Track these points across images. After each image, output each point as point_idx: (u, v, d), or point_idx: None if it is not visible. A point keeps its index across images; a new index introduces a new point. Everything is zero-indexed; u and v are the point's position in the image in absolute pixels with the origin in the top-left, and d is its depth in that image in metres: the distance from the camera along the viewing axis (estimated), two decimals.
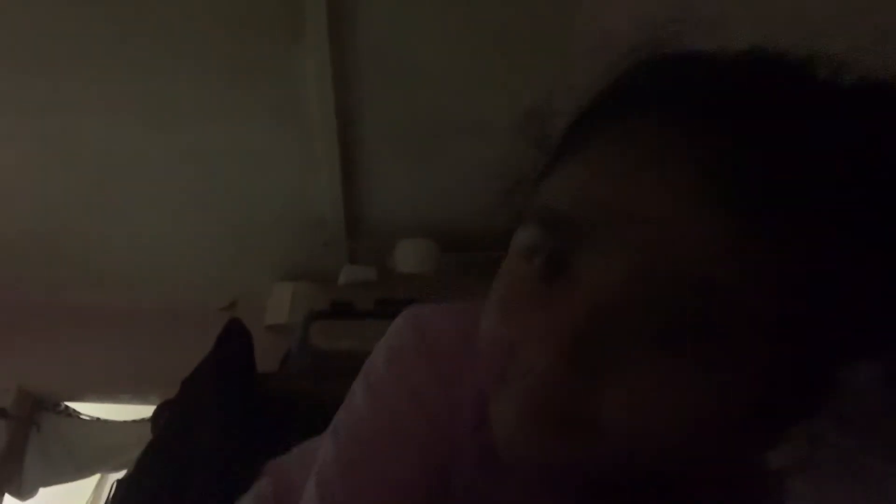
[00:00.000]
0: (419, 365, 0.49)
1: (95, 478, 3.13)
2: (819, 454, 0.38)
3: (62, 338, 2.74)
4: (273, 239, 2.29)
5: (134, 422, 2.71)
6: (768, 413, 0.35)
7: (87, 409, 2.81)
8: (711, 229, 0.32)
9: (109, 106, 1.66)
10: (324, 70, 1.45)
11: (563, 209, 0.36)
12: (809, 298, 0.33)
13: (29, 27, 1.42)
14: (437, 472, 0.46)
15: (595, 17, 1.20)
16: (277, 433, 0.98)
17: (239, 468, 0.93)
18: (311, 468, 0.50)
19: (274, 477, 0.79)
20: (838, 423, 0.38)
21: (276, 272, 2.42)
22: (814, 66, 0.36)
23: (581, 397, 0.34)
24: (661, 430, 0.34)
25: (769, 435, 0.38)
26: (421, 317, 0.53)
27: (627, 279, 0.33)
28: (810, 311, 0.33)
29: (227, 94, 1.61)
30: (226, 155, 1.86)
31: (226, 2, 1.34)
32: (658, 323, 0.33)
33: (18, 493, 2.60)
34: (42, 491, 2.73)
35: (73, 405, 2.79)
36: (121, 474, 2.40)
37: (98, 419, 2.77)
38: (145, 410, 2.64)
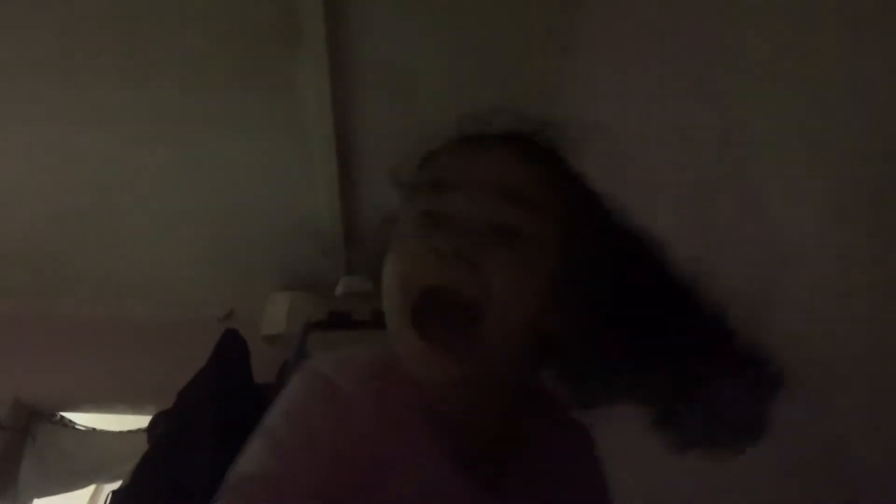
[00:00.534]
0: (316, 411, 0.61)
1: (91, 488, 3.11)
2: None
3: (58, 348, 2.73)
4: (270, 249, 2.29)
5: (130, 432, 2.71)
6: (568, 293, 0.60)
7: (83, 419, 2.80)
8: (517, 178, 0.63)
9: (108, 116, 1.66)
10: (321, 81, 1.46)
11: (439, 177, 0.65)
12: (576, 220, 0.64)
13: (28, 39, 1.43)
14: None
15: None
16: None
17: None
18: None
19: None
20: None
21: (273, 282, 2.42)
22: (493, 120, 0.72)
23: (470, 274, 0.58)
24: (511, 295, 0.58)
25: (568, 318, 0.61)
26: (313, 370, 0.65)
27: (480, 209, 0.60)
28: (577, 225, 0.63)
29: (225, 105, 1.62)
30: (224, 165, 1.87)
31: (224, 14, 1.35)
32: (498, 234, 0.59)
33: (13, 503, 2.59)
34: (37, 502, 2.71)
35: (68, 415, 2.78)
36: (116, 485, 2.39)
37: (94, 429, 2.76)
38: (141, 421, 2.63)
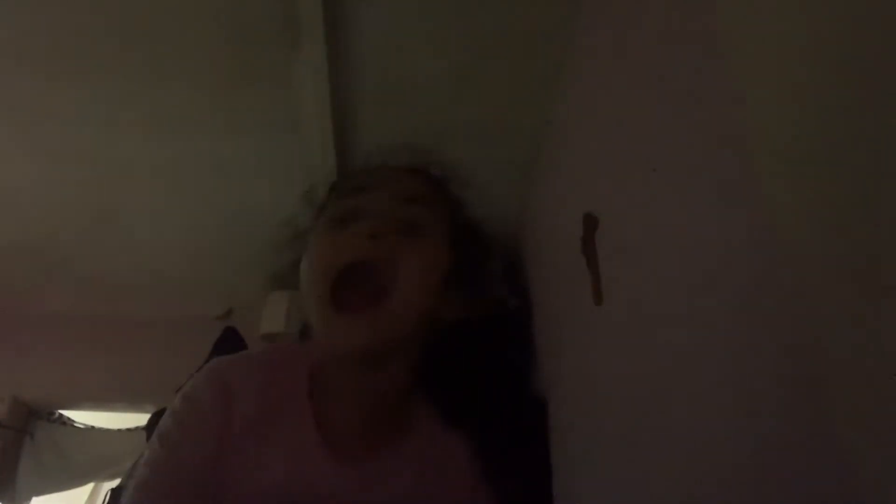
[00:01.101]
0: (206, 401, 0.73)
1: (90, 486, 3.12)
2: None
3: (57, 347, 2.73)
4: (269, 247, 2.29)
5: (128, 430, 2.71)
6: (451, 278, 0.76)
7: (82, 417, 2.80)
8: (417, 188, 0.79)
9: (106, 115, 1.66)
10: (321, 80, 1.46)
11: (353, 185, 0.81)
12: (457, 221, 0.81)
13: (28, 37, 1.42)
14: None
15: None
16: None
17: None
18: None
19: None
20: None
21: (272, 281, 2.42)
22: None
23: (381, 252, 0.71)
24: (413, 273, 0.71)
25: (448, 298, 0.76)
26: (214, 366, 0.77)
27: (389, 206, 0.75)
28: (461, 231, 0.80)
29: (224, 104, 1.61)
30: (222, 164, 1.86)
31: (223, 13, 1.35)
32: (404, 226, 0.73)
33: (12, 502, 2.59)
34: (35, 500, 2.71)
35: (67, 414, 2.78)
36: (115, 483, 2.40)
37: (93, 428, 2.76)
38: (140, 419, 2.63)
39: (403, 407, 0.80)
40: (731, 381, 0.58)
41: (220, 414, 0.72)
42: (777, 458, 0.50)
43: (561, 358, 1.32)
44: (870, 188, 0.40)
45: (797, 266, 0.48)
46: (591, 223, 1.05)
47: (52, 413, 2.75)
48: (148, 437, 1.80)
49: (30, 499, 2.68)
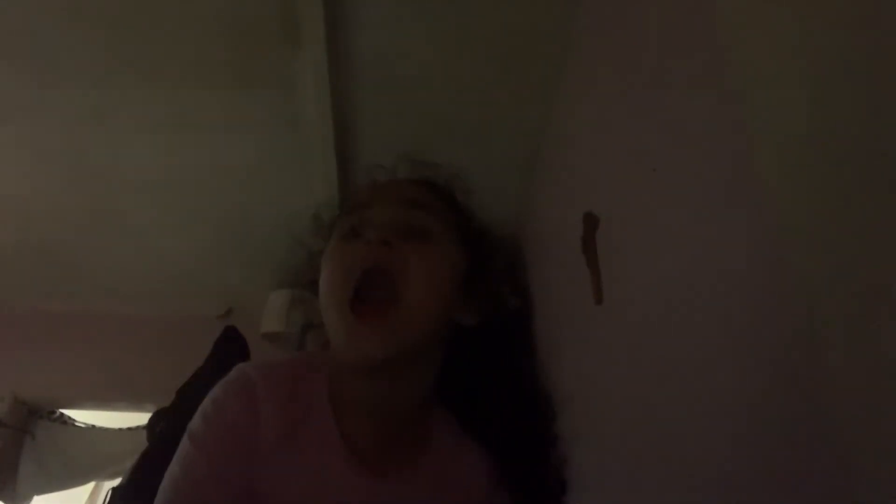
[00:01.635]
0: (233, 408, 0.74)
1: (90, 485, 3.12)
2: None
3: (57, 345, 2.73)
4: (269, 247, 2.29)
5: (129, 429, 2.71)
6: (464, 283, 0.77)
7: (83, 416, 2.80)
8: (423, 196, 0.80)
9: (106, 115, 1.66)
10: (321, 80, 1.46)
11: (361, 201, 0.81)
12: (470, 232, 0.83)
13: (29, 37, 1.43)
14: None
15: None
16: None
17: None
18: None
19: None
20: None
21: (272, 280, 2.42)
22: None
23: (394, 258, 0.71)
24: (425, 278, 0.71)
25: (462, 301, 0.77)
26: (241, 371, 0.77)
27: (397, 214, 0.76)
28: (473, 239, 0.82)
29: (224, 105, 1.62)
30: (223, 163, 1.86)
31: (223, 13, 1.35)
32: (414, 232, 0.74)
33: (13, 501, 2.59)
34: (36, 499, 2.71)
35: (68, 413, 2.78)
36: (116, 482, 2.39)
37: (93, 427, 2.76)
38: (140, 418, 2.63)
39: (422, 417, 0.80)
40: (732, 380, 0.58)
41: (248, 422, 0.73)
42: (777, 457, 0.50)
43: (561, 358, 1.32)
44: (871, 188, 0.40)
45: (797, 265, 0.48)
46: (591, 223, 1.05)
47: (53, 412, 2.75)
48: (148, 437, 1.80)
49: (30, 498, 2.68)
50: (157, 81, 1.54)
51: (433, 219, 0.77)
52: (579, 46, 1.28)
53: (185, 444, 0.72)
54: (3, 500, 2.57)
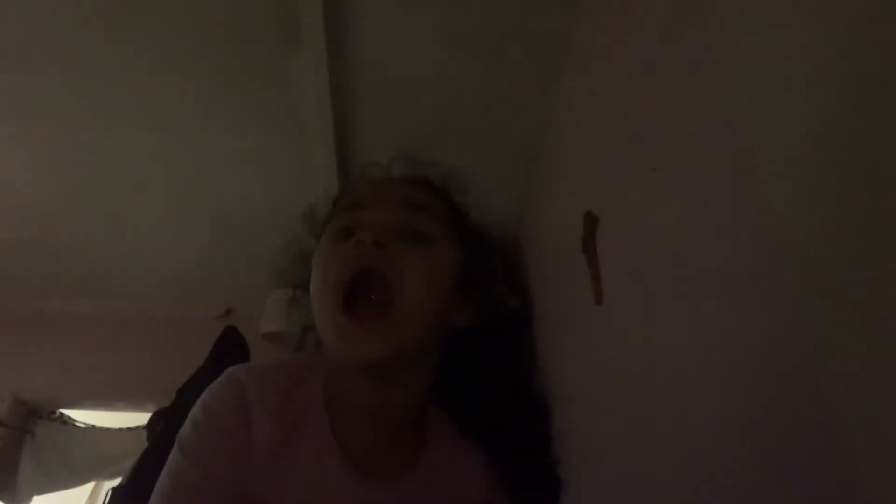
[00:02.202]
0: (225, 412, 0.72)
1: (90, 485, 3.12)
2: None
3: (57, 345, 2.73)
4: (270, 247, 2.29)
5: (129, 429, 2.71)
6: (461, 284, 0.76)
7: (83, 416, 2.80)
8: (418, 195, 0.79)
9: (106, 113, 1.66)
10: (321, 79, 1.46)
11: (355, 201, 0.78)
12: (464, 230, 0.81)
13: (25, 32, 1.42)
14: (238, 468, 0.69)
15: None
16: None
17: None
18: None
19: None
20: None
21: (272, 280, 2.42)
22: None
23: (388, 260, 0.70)
24: (420, 279, 0.70)
25: (458, 302, 0.76)
26: (232, 376, 0.76)
27: (391, 215, 0.74)
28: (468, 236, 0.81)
29: (224, 103, 1.61)
30: (223, 163, 1.86)
31: (223, 10, 1.35)
32: (408, 234, 0.73)
33: (13, 501, 2.59)
34: (36, 499, 2.71)
35: (68, 412, 2.78)
36: (116, 482, 2.39)
37: (93, 427, 2.76)
38: (140, 418, 2.63)
39: (419, 419, 0.79)
40: (732, 380, 0.58)
41: (240, 428, 0.71)
42: (778, 458, 0.50)
43: (561, 358, 1.32)
44: (871, 188, 0.40)
45: (798, 265, 0.48)
46: (591, 222, 1.05)
47: (53, 412, 2.75)
48: (148, 437, 1.81)
49: (30, 498, 2.68)
50: (157, 81, 1.54)
51: (429, 220, 0.76)
52: (579, 46, 1.28)
53: (175, 454, 0.71)
54: (4, 500, 2.57)
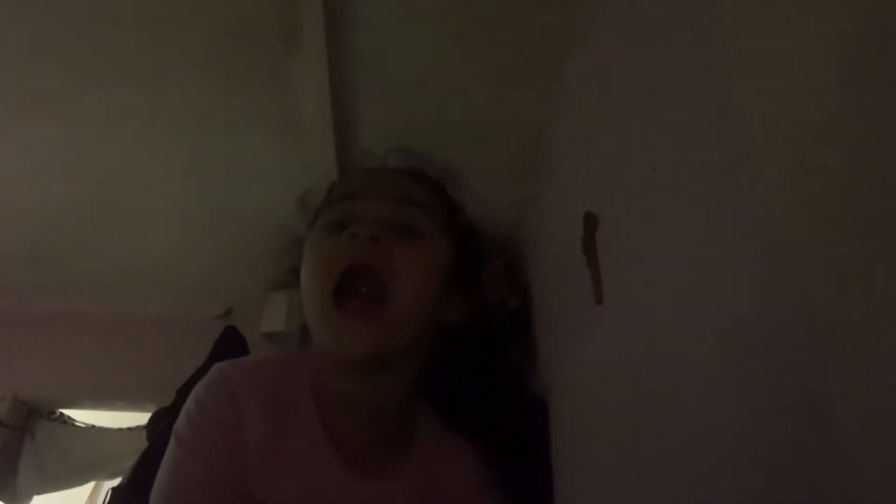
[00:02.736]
0: (216, 407, 0.72)
1: (90, 485, 3.12)
2: None
3: (57, 345, 2.73)
4: (269, 247, 2.29)
5: (129, 429, 2.71)
6: (451, 280, 0.76)
7: (83, 416, 2.80)
8: (411, 189, 0.78)
9: (106, 114, 1.66)
10: (321, 79, 1.46)
11: (349, 191, 0.78)
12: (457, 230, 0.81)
13: (25, 36, 1.43)
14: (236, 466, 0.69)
15: None
16: None
17: None
18: None
19: None
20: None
21: (272, 280, 2.42)
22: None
23: (382, 256, 0.69)
24: (414, 277, 0.70)
25: (448, 301, 0.76)
26: (220, 372, 0.76)
27: (385, 209, 0.73)
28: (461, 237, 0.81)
29: (225, 105, 1.61)
30: (223, 164, 1.86)
31: (223, 13, 1.35)
32: (401, 229, 0.72)
33: (13, 501, 2.59)
34: (36, 499, 2.71)
35: (68, 412, 2.78)
36: (116, 482, 2.39)
37: (93, 426, 2.76)
38: (140, 418, 2.63)
39: (407, 414, 0.79)
40: (732, 380, 0.58)
41: (233, 420, 0.71)
42: (777, 458, 0.50)
43: (561, 358, 1.32)
44: (872, 187, 0.40)
45: (798, 265, 0.48)
46: (591, 222, 1.05)
47: (53, 412, 2.75)
48: (148, 437, 1.80)
49: (30, 497, 2.68)
50: (156, 81, 1.54)
51: (424, 216, 0.76)
52: (580, 46, 1.28)
53: (172, 448, 0.71)
54: (4, 500, 2.57)
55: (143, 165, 1.88)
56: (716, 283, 0.63)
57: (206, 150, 1.81)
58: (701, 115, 0.68)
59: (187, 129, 1.72)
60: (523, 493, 0.86)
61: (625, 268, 0.92)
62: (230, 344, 1.94)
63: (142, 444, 1.74)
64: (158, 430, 1.69)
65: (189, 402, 0.73)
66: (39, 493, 2.69)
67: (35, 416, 2.71)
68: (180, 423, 0.72)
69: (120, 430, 2.73)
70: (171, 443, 0.71)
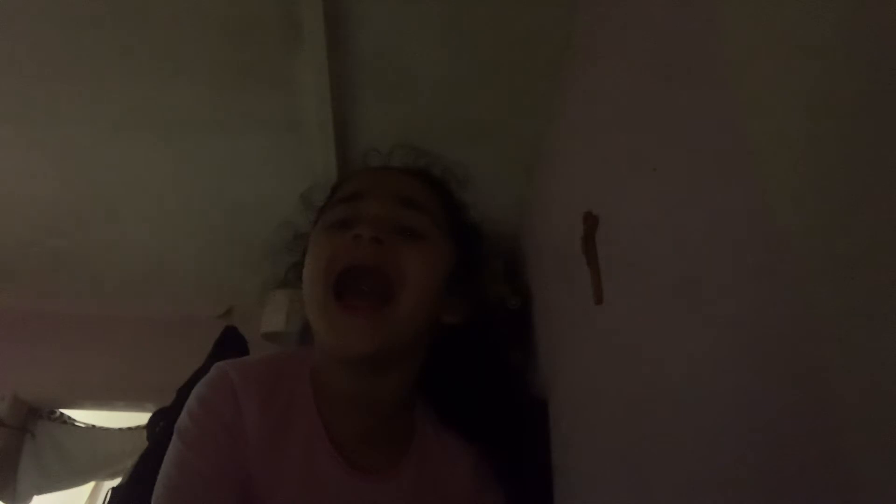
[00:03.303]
0: (216, 406, 0.72)
1: (90, 485, 3.12)
2: None
3: (58, 345, 2.74)
4: (271, 244, 2.29)
5: (129, 429, 2.71)
6: (452, 282, 0.76)
7: (83, 416, 2.81)
8: (414, 191, 0.78)
9: (107, 114, 1.66)
10: (321, 78, 1.46)
11: (353, 191, 0.78)
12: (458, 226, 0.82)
13: (26, 38, 1.43)
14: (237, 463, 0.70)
15: None
16: None
17: None
18: None
19: None
20: None
21: (272, 280, 2.42)
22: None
23: (385, 257, 0.70)
24: (417, 278, 0.70)
25: (448, 303, 0.76)
26: (219, 370, 0.76)
27: (388, 211, 0.74)
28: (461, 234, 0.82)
29: (225, 104, 1.61)
30: (223, 163, 1.86)
31: (224, 12, 1.35)
32: (404, 232, 0.73)
33: (13, 501, 2.59)
34: (36, 499, 2.72)
35: (68, 412, 2.78)
36: (116, 482, 2.40)
37: (93, 426, 2.77)
38: (140, 418, 2.63)
39: (407, 414, 0.80)
40: (732, 380, 0.58)
41: (235, 417, 0.72)
42: (778, 458, 0.50)
43: (561, 358, 1.32)
44: (872, 187, 0.40)
45: (798, 265, 0.48)
46: (591, 222, 1.05)
47: (53, 412, 2.75)
48: (148, 437, 1.81)
49: (30, 497, 2.68)
50: (156, 81, 1.54)
51: (427, 218, 0.76)
52: (580, 46, 1.28)
53: (175, 444, 0.71)
54: (4, 500, 2.57)
55: (144, 166, 1.88)
56: (715, 283, 0.63)
57: (207, 150, 1.81)
58: (701, 116, 0.68)
59: (188, 128, 1.72)
60: (523, 492, 0.86)
61: (625, 268, 0.92)
62: (230, 344, 1.94)
63: (142, 444, 1.75)
64: (158, 430, 1.69)
65: (191, 400, 0.74)
66: (39, 492, 2.69)
67: (35, 416, 2.72)
68: (183, 419, 0.72)
69: (120, 430, 2.73)
70: (174, 439, 0.71)
